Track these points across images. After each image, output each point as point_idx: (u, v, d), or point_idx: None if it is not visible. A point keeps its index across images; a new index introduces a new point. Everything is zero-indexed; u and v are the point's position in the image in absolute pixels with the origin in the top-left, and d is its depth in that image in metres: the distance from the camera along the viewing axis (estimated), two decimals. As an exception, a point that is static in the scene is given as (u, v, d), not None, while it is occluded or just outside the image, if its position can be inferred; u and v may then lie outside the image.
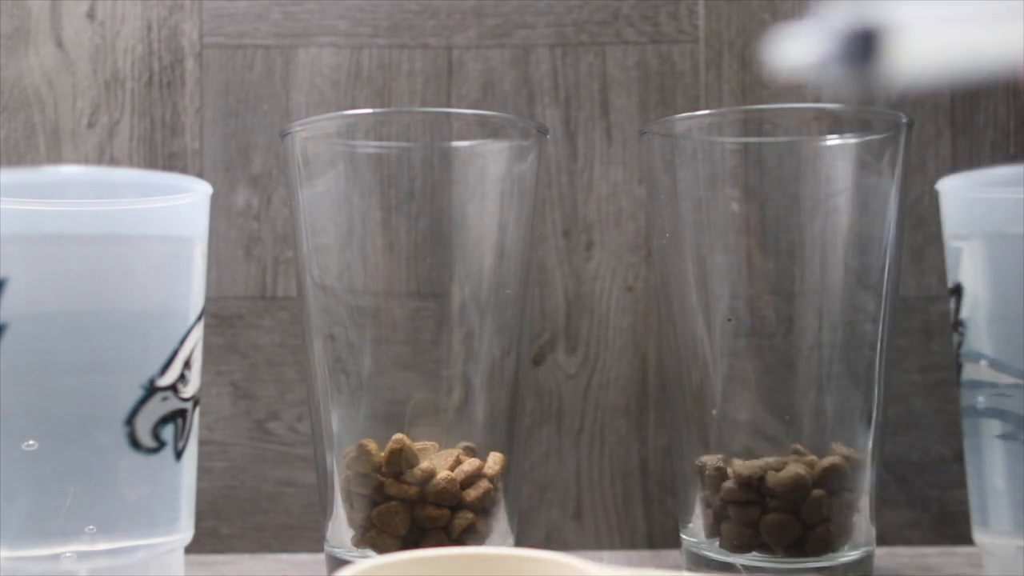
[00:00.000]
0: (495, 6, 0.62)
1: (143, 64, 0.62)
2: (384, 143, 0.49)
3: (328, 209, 0.48)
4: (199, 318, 0.46)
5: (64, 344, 0.41)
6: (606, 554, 0.60)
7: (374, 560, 0.34)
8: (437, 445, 0.48)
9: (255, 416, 0.61)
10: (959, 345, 0.48)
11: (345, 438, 0.48)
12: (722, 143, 0.50)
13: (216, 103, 0.62)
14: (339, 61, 0.62)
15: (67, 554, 0.41)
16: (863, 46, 0.17)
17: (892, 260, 0.48)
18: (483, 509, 0.47)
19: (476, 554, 0.35)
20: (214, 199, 0.48)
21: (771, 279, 0.48)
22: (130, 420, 0.42)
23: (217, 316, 0.61)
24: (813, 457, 0.47)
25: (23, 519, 0.41)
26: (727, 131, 0.50)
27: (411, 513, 0.46)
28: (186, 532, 0.46)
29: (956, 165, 0.61)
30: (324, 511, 0.49)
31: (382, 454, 0.46)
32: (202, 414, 0.58)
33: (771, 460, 0.47)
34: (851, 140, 0.48)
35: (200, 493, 0.52)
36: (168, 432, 0.44)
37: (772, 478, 0.46)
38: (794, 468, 0.46)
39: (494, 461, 0.48)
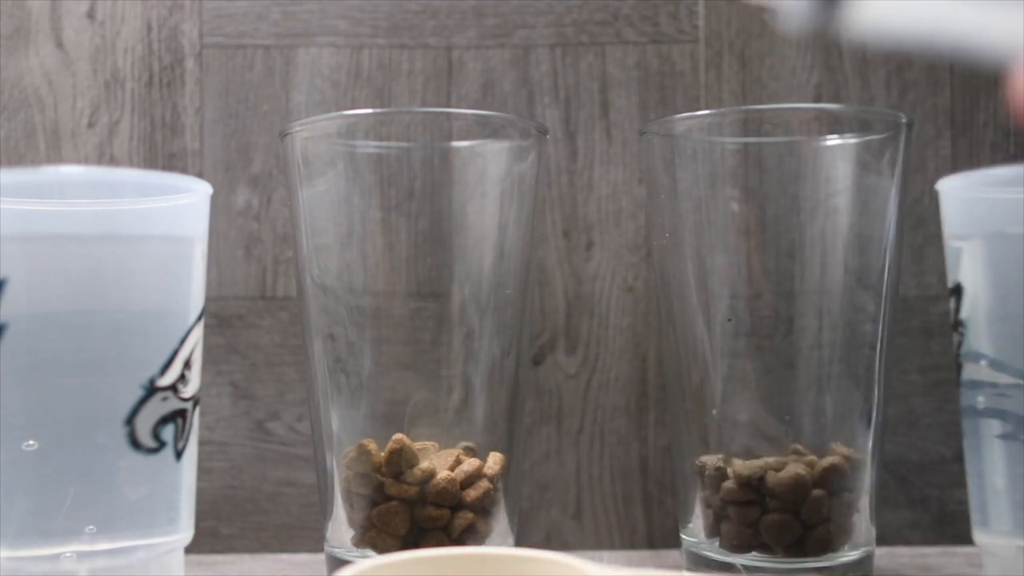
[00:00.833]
0: (495, 6, 0.62)
1: (143, 64, 0.62)
2: (384, 143, 0.49)
3: (328, 209, 0.48)
4: (199, 318, 0.46)
5: (64, 344, 0.41)
6: (606, 554, 0.60)
7: (374, 560, 0.34)
8: (437, 445, 0.48)
9: (255, 416, 0.61)
10: (959, 345, 0.48)
11: (345, 438, 0.48)
12: (722, 143, 0.50)
13: (216, 103, 0.62)
14: (339, 61, 0.62)
15: (67, 554, 0.41)
16: None
17: (892, 260, 0.48)
18: (483, 509, 0.47)
19: (476, 554, 0.35)
20: (214, 199, 0.48)
21: (771, 279, 0.48)
22: (130, 420, 0.42)
23: (217, 316, 0.61)
24: (813, 457, 0.47)
25: (23, 519, 0.41)
26: (727, 131, 0.50)
27: (411, 513, 0.46)
28: (186, 532, 0.46)
29: (956, 165, 0.61)
30: (324, 511, 0.49)
31: (382, 454, 0.46)
32: (202, 414, 0.58)
33: (771, 460, 0.47)
34: (851, 140, 0.48)
35: (200, 493, 0.52)
36: (168, 432, 0.44)
37: (772, 478, 0.46)
38: (794, 468, 0.46)
39: (494, 461, 0.48)
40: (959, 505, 0.60)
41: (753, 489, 0.47)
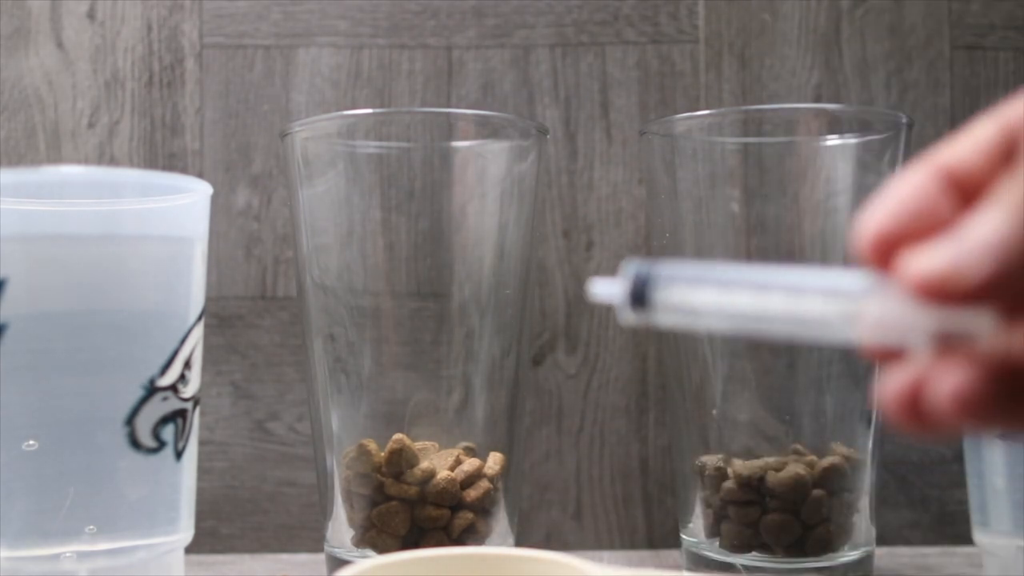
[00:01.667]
0: (495, 6, 0.62)
1: (143, 64, 0.62)
2: (384, 143, 0.49)
3: (328, 209, 0.48)
4: (199, 318, 0.46)
5: (64, 344, 0.41)
6: (606, 554, 0.60)
7: (374, 560, 0.34)
8: (437, 445, 0.48)
9: (255, 416, 0.61)
10: (959, 345, 0.48)
11: (345, 438, 0.48)
12: (722, 143, 0.50)
13: (216, 103, 0.62)
14: (339, 61, 0.62)
15: (67, 554, 0.41)
16: (638, 294, 0.23)
17: (892, 260, 0.48)
18: (483, 509, 0.47)
19: (476, 554, 0.35)
20: (214, 199, 0.48)
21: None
22: (130, 420, 0.42)
23: (217, 316, 0.61)
24: (813, 457, 0.47)
25: (23, 519, 0.41)
26: (727, 131, 0.50)
27: (411, 513, 0.46)
28: (186, 532, 0.46)
29: None
30: (324, 511, 0.49)
31: (382, 454, 0.46)
32: (202, 414, 0.58)
33: (771, 460, 0.47)
34: (851, 140, 0.48)
35: (200, 493, 0.52)
36: (168, 432, 0.44)
37: (772, 478, 0.46)
38: (794, 468, 0.46)
39: (494, 461, 0.48)
40: (959, 505, 0.60)
41: (753, 489, 0.47)
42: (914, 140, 0.50)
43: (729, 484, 0.47)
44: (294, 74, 0.62)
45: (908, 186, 0.22)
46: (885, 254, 0.22)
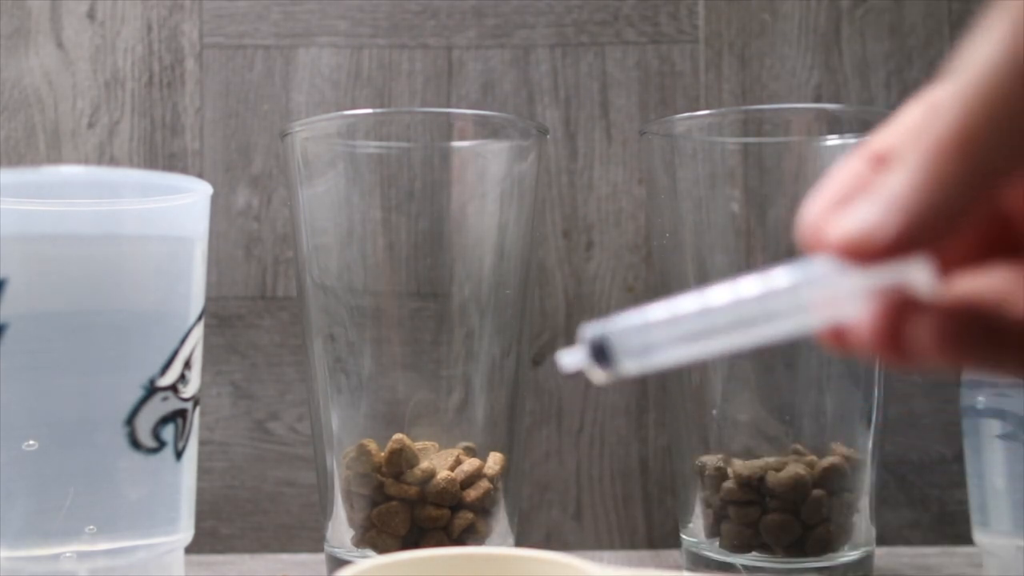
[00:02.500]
0: (495, 6, 0.62)
1: (143, 64, 0.62)
2: (384, 143, 0.49)
3: (328, 209, 0.48)
4: (199, 318, 0.46)
5: (64, 344, 0.41)
6: (606, 554, 0.60)
7: (374, 560, 0.34)
8: (437, 445, 0.48)
9: (255, 416, 0.61)
10: (959, 345, 0.48)
11: (345, 438, 0.48)
12: (722, 143, 0.50)
13: (216, 103, 0.62)
14: (339, 61, 0.62)
15: (67, 554, 0.41)
16: (599, 352, 0.24)
17: (892, 260, 0.48)
18: (483, 509, 0.47)
19: (476, 554, 0.35)
20: (214, 199, 0.48)
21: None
22: (130, 420, 0.42)
23: (217, 316, 0.61)
24: (813, 457, 0.47)
25: (23, 519, 0.41)
26: (727, 131, 0.50)
27: (411, 513, 0.46)
28: (186, 532, 0.46)
29: None
30: (324, 511, 0.49)
31: (382, 454, 0.46)
32: (202, 414, 0.58)
33: (771, 460, 0.47)
34: (851, 140, 0.48)
35: (200, 493, 0.52)
36: (168, 432, 0.44)
37: (772, 478, 0.46)
38: (794, 468, 0.46)
39: (494, 461, 0.48)
40: (959, 505, 0.60)
41: (753, 489, 0.47)
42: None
43: (729, 484, 0.47)
44: (294, 74, 0.62)
45: (842, 172, 0.23)
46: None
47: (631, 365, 0.24)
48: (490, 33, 0.62)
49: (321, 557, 0.55)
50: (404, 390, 0.48)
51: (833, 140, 0.48)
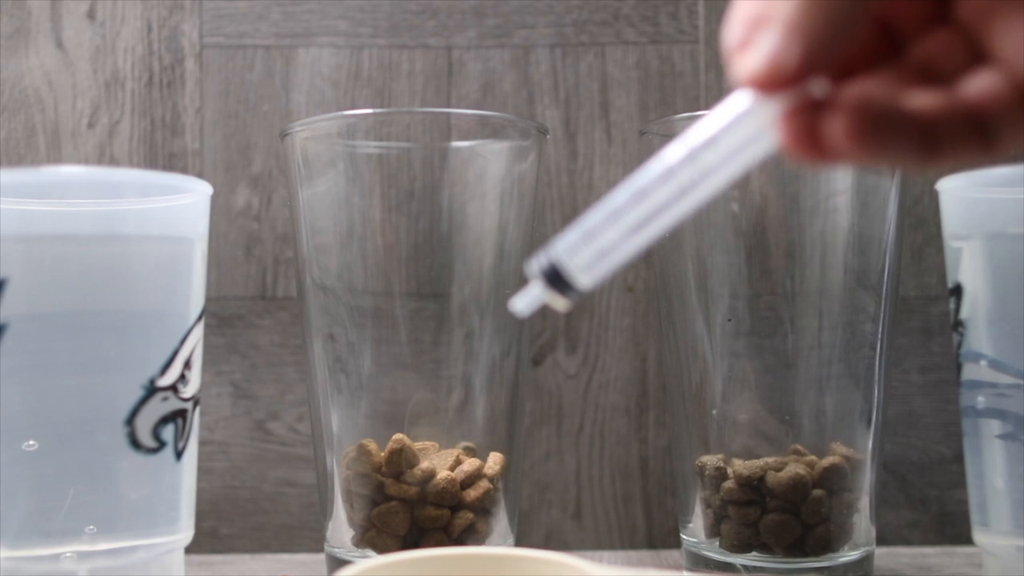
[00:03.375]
0: (495, 6, 0.62)
1: (143, 64, 0.62)
2: (384, 143, 0.49)
3: (328, 209, 0.48)
4: (199, 318, 0.46)
5: (64, 344, 0.41)
6: (606, 554, 0.60)
7: (374, 560, 0.34)
8: (437, 445, 0.48)
9: (255, 416, 0.61)
10: (959, 345, 0.48)
11: (345, 438, 0.48)
12: (722, 143, 0.49)
13: (216, 103, 0.62)
14: (339, 61, 0.62)
15: (67, 554, 0.41)
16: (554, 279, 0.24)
17: (892, 260, 0.48)
18: (483, 509, 0.47)
19: (476, 554, 0.35)
20: (214, 199, 0.48)
21: (771, 279, 0.48)
22: (130, 420, 0.42)
23: (217, 316, 0.61)
24: (813, 457, 0.47)
25: (23, 519, 0.41)
26: (727, 131, 0.50)
27: (411, 513, 0.46)
28: (186, 532, 0.46)
29: (956, 165, 0.61)
30: (324, 511, 0.49)
31: (382, 454, 0.46)
32: (202, 414, 0.58)
33: (771, 460, 0.47)
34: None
35: (200, 493, 0.52)
36: (168, 432, 0.44)
37: (772, 478, 0.46)
38: (794, 468, 0.46)
39: (494, 461, 0.48)
40: (959, 505, 0.60)
41: (753, 489, 0.47)
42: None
43: (729, 484, 0.47)
44: (294, 74, 0.62)
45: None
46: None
47: (587, 279, 0.24)
48: (490, 33, 0.62)
49: (321, 557, 0.55)
50: (404, 390, 0.48)
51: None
